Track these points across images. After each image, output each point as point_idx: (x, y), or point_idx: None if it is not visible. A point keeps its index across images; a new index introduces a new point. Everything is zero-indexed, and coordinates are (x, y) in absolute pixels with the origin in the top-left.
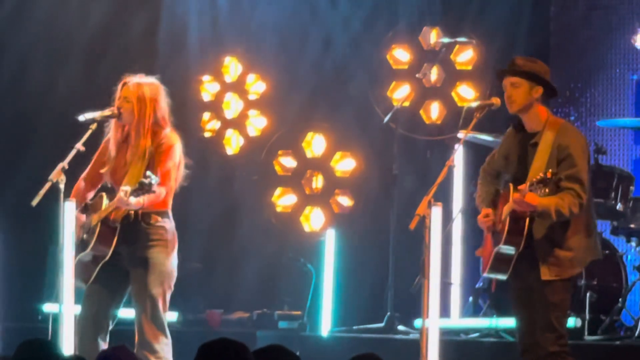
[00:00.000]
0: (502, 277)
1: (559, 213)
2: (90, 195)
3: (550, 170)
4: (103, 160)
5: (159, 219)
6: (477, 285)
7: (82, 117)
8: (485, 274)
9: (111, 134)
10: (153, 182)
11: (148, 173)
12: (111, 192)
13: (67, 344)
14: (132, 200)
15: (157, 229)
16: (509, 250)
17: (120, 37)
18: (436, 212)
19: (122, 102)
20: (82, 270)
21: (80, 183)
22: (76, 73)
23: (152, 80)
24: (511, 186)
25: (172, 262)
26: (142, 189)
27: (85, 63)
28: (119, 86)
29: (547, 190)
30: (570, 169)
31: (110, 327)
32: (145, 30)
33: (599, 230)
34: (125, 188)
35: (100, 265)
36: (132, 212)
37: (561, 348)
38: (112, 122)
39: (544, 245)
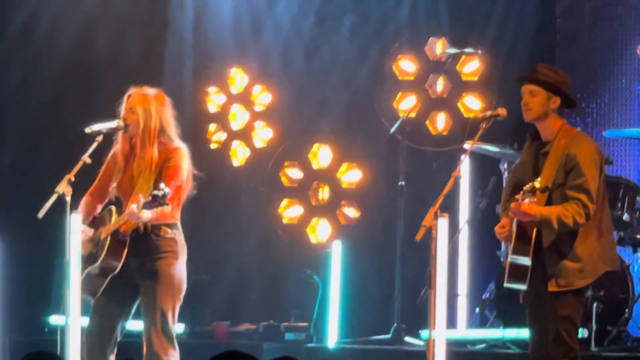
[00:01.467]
0: (522, 286)
1: (561, 223)
2: (98, 209)
3: (539, 179)
4: (110, 174)
5: (169, 230)
6: (483, 296)
7: (88, 129)
8: (505, 284)
9: (118, 147)
10: (167, 194)
11: (162, 185)
12: (119, 206)
13: (75, 356)
14: (144, 214)
15: (167, 241)
16: (521, 259)
17: (126, 49)
18: (442, 223)
19: (128, 113)
20: (90, 284)
21: (88, 198)
22: (83, 85)
23: (156, 91)
24: (521, 195)
25: (182, 274)
26: (155, 201)
27: (92, 75)
28: (125, 98)
29: (535, 199)
30: (577, 178)
31: (118, 340)
32: (151, 42)
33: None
34: (136, 202)
35: (109, 278)
36: (142, 224)
37: None
38: (119, 135)
39: (552, 255)
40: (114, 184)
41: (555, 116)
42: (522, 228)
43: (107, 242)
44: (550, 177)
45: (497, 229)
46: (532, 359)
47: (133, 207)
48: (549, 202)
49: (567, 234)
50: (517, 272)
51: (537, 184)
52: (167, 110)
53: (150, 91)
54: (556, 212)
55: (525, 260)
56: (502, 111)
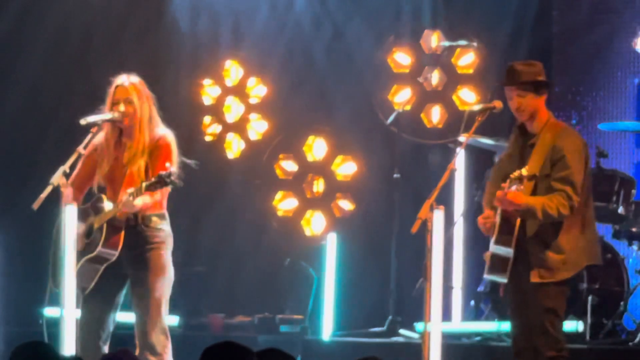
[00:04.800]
0: (502, 279)
1: (545, 213)
2: (80, 200)
3: (526, 167)
4: (92, 165)
5: (158, 221)
6: (479, 289)
7: (83, 121)
8: (485, 276)
9: (104, 137)
10: (172, 173)
11: (167, 164)
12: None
13: (70, 348)
14: (137, 202)
15: (156, 232)
16: (503, 250)
17: (121, 41)
18: (438, 216)
19: (124, 104)
20: (80, 276)
21: (69, 188)
22: (77, 76)
23: (139, 78)
24: (507, 183)
25: (171, 264)
26: (161, 181)
27: (87, 66)
28: (112, 89)
29: (522, 187)
30: (562, 170)
31: (111, 330)
32: (145, 34)
33: (600, 234)
34: (130, 190)
35: (103, 267)
36: (132, 215)
37: (558, 353)
38: (105, 126)
39: (535, 247)
40: (99, 174)
41: (543, 109)
42: (506, 218)
43: (103, 230)
44: (537, 167)
45: (480, 219)
46: (514, 351)
47: (125, 195)
48: (534, 193)
49: (551, 225)
50: (498, 264)
51: (524, 171)
52: (151, 97)
53: (137, 79)
54: (541, 203)
55: (507, 252)
56: (497, 104)
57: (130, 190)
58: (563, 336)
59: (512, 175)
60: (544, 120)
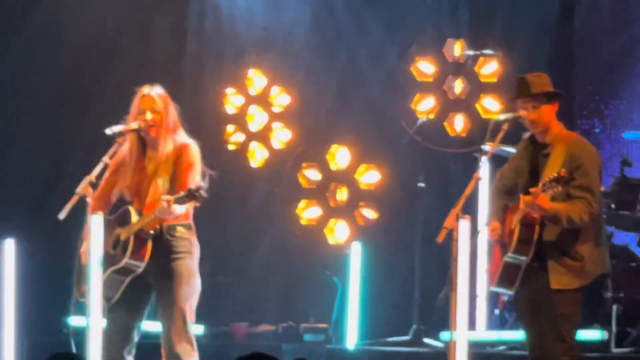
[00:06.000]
0: (509, 291)
1: (569, 219)
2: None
3: (563, 169)
4: (117, 177)
5: (184, 231)
6: (503, 298)
7: (109, 131)
8: (492, 287)
9: (129, 148)
10: (201, 187)
11: (197, 179)
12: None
13: (94, 357)
14: (175, 209)
15: (182, 242)
16: (518, 259)
17: (146, 51)
18: (464, 225)
19: (151, 113)
20: (106, 286)
21: (95, 202)
22: (104, 87)
23: (162, 89)
24: (522, 197)
25: (197, 274)
26: (190, 195)
27: (113, 77)
28: (138, 98)
29: (559, 188)
30: (582, 178)
31: (136, 341)
32: (171, 44)
33: (624, 243)
34: (166, 197)
35: (129, 278)
36: (158, 225)
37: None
38: (128, 136)
39: (554, 254)
40: (124, 185)
41: (555, 120)
42: (526, 226)
43: (131, 242)
44: (565, 172)
45: (489, 231)
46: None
47: (163, 203)
48: (551, 201)
49: (569, 234)
50: (510, 274)
51: (562, 173)
52: (175, 107)
53: (161, 89)
54: (565, 209)
55: (521, 260)
56: (522, 112)
57: (166, 197)
58: (577, 344)
59: (547, 179)
60: (556, 130)
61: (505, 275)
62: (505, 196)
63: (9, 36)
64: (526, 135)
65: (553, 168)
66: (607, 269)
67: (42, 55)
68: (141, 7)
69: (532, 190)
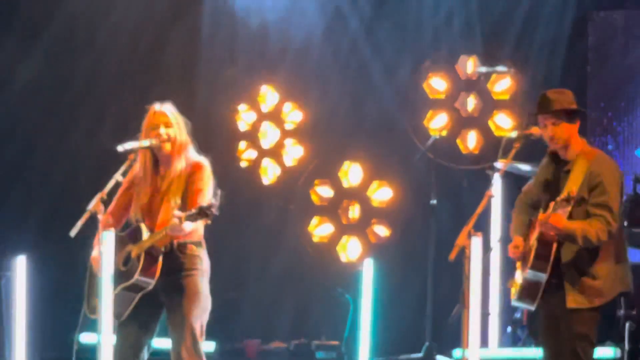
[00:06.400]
0: (530, 306)
1: (585, 239)
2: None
3: (573, 188)
4: (130, 194)
5: (195, 248)
6: (515, 315)
7: (121, 148)
8: (513, 302)
9: (141, 165)
10: (213, 205)
11: (208, 198)
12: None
13: None
14: (186, 226)
15: (193, 259)
16: (536, 276)
17: (159, 68)
18: (476, 243)
19: (164, 128)
20: (116, 303)
21: (108, 217)
22: (117, 104)
23: (173, 106)
24: (541, 212)
25: (208, 290)
26: (201, 213)
27: (127, 95)
28: (150, 114)
29: (570, 209)
30: (600, 196)
31: (147, 358)
32: (181, 60)
33: (638, 261)
34: (178, 213)
35: (139, 295)
36: (169, 242)
37: None
38: (141, 153)
39: (572, 272)
40: (137, 203)
41: (576, 136)
42: (543, 243)
43: (142, 259)
44: (575, 192)
45: (510, 248)
46: None
47: (175, 220)
48: (570, 219)
49: (587, 252)
50: (529, 290)
51: (572, 193)
52: (187, 124)
53: (172, 106)
54: (581, 228)
55: (540, 277)
56: (535, 130)
57: (178, 213)
58: None
59: (558, 199)
60: (578, 147)
61: (526, 291)
62: (531, 210)
63: (22, 50)
64: (549, 150)
65: (572, 185)
66: (627, 286)
67: (55, 71)
68: (155, 24)
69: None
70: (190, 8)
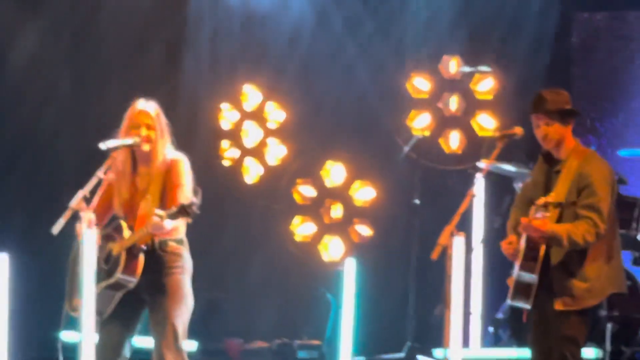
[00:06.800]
0: (526, 305)
1: (571, 240)
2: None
3: (552, 194)
4: (110, 193)
5: (176, 246)
6: (497, 315)
7: (103, 145)
8: (509, 302)
9: (121, 163)
10: (194, 203)
11: (189, 195)
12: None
13: None
14: (167, 224)
15: (174, 257)
16: (526, 277)
17: (142, 67)
18: (458, 242)
19: (146, 128)
20: (98, 301)
21: (91, 215)
22: (97, 101)
23: (155, 103)
24: (533, 210)
25: (190, 289)
26: (182, 211)
27: (108, 92)
28: (133, 112)
29: (547, 214)
30: (589, 198)
31: (128, 356)
32: (164, 58)
33: None
34: (159, 212)
35: (121, 293)
36: (150, 240)
37: None
38: (121, 152)
39: (560, 274)
40: (118, 200)
41: (569, 137)
42: (531, 245)
43: (123, 257)
44: (563, 194)
45: (503, 244)
46: None
47: (156, 218)
48: (560, 220)
49: (576, 253)
50: (522, 290)
51: (549, 198)
52: (167, 124)
53: (155, 104)
54: (567, 230)
55: (531, 278)
56: (518, 130)
57: (160, 212)
58: None
59: (537, 203)
60: (570, 147)
61: (519, 290)
62: (527, 207)
63: (9, 49)
64: (544, 149)
65: (562, 186)
66: (620, 288)
67: (39, 71)
68: (138, 22)
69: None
70: (175, 7)
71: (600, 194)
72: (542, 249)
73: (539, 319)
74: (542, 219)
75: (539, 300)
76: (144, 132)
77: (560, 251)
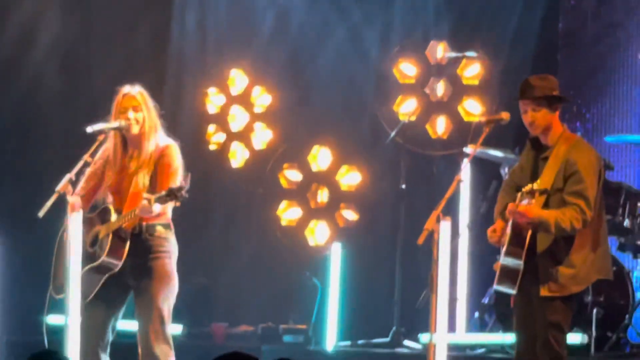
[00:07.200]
0: (510, 290)
1: (558, 227)
2: (87, 210)
3: (538, 181)
4: (99, 175)
5: (163, 230)
6: (483, 301)
7: (90, 129)
8: (494, 287)
9: (111, 146)
10: (183, 187)
11: (177, 180)
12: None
13: (74, 356)
14: (155, 208)
15: (161, 241)
16: (512, 262)
17: (125, 49)
18: (445, 227)
19: (133, 111)
20: (83, 284)
21: (77, 198)
22: (84, 84)
23: (142, 88)
24: (519, 197)
25: (175, 273)
26: (171, 194)
27: (94, 75)
28: (119, 97)
29: (533, 201)
30: (576, 185)
31: (110, 340)
32: (151, 43)
33: None
34: (147, 195)
35: (106, 276)
36: (136, 224)
37: None
38: (111, 135)
39: (546, 260)
40: (107, 184)
41: (557, 123)
42: (517, 231)
43: (109, 240)
44: (549, 181)
45: (489, 232)
46: None
47: (144, 202)
48: (546, 207)
49: (563, 241)
50: (508, 276)
51: (536, 185)
52: (156, 107)
53: (142, 88)
54: (554, 216)
55: (517, 264)
56: (505, 115)
57: (147, 195)
58: (565, 351)
59: (523, 189)
60: (557, 133)
61: (503, 276)
62: (515, 193)
63: None
64: (531, 135)
65: (549, 173)
66: (606, 274)
67: (24, 54)
68: (125, 6)
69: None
70: None
71: (587, 181)
72: (528, 234)
73: (523, 305)
74: (528, 205)
75: (524, 286)
76: (130, 114)
77: (547, 238)
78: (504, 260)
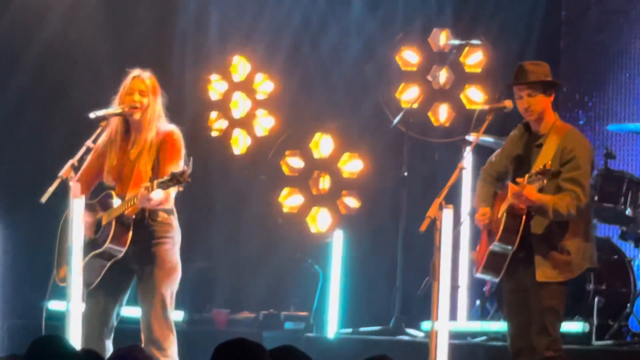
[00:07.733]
0: (495, 278)
1: (556, 212)
2: (87, 195)
3: (549, 162)
4: (101, 160)
5: (166, 216)
6: (484, 289)
7: (92, 114)
8: (478, 274)
9: (113, 131)
10: (185, 172)
11: (181, 164)
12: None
13: (74, 341)
14: (155, 195)
15: (164, 227)
16: (503, 248)
17: (128, 35)
18: (447, 214)
19: (139, 94)
20: (86, 271)
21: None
22: (87, 68)
23: (151, 73)
24: (510, 185)
25: (178, 259)
26: (174, 179)
27: (98, 60)
28: (128, 79)
29: (545, 182)
30: (573, 171)
31: (115, 325)
32: (153, 29)
33: (607, 235)
34: (147, 184)
35: (110, 263)
36: (139, 210)
37: (556, 353)
38: (113, 120)
39: (542, 246)
40: (108, 169)
41: (550, 110)
42: (512, 216)
43: (112, 226)
44: (550, 165)
45: (477, 216)
46: (513, 352)
47: (143, 190)
48: (540, 192)
49: (557, 227)
50: (494, 262)
51: (547, 166)
52: (162, 93)
53: (152, 74)
54: (552, 201)
55: (506, 249)
56: (508, 103)
57: (147, 184)
58: (560, 336)
59: (533, 171)
60: (551, 121)
61: (491, 263)
62: (495, 182)
63: None
64: (522, 122)
65: (544, 160)
66: (593, 263)
67: (26, 38)
68: None
69: (519, 180)
70: None
71: (583, 169)
72: (523, 220)
73: (515, 291)
74: (531, 187)
75: (516, 272)
76: (136, 97)
77: (542, 223)
78: (493, 246)
